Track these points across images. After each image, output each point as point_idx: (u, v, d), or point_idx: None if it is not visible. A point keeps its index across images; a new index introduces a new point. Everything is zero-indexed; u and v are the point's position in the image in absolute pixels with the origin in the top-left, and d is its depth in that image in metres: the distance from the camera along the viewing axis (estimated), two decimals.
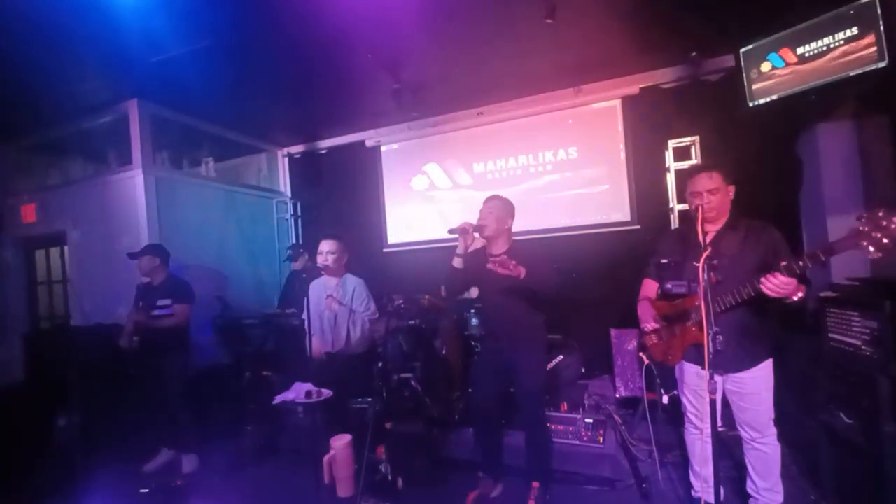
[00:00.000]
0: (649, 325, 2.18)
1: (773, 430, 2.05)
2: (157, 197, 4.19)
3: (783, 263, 1.71)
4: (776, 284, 1.71)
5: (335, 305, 2.95)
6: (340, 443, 2.63)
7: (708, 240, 1.93)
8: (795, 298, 1.75)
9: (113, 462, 3.18)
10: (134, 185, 4.15)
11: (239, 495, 2.78)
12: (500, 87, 4.29)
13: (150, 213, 4.12)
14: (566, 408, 3.22)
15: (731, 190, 2.04)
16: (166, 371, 3.20)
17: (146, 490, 2.92)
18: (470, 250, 2.43)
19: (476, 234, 2.42)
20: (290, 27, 3.05)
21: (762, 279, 1.74)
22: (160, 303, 3.21)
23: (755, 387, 2.01)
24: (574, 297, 3.96)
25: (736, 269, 1.92)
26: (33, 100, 3.86)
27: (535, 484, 2.47)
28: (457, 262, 2.43)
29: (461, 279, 2.50)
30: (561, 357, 3.70)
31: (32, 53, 3.13)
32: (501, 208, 2.46)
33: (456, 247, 2.43)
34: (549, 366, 3.67)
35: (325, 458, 2.61)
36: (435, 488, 2.70)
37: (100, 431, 3.31)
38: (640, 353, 2.34)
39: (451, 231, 2.39)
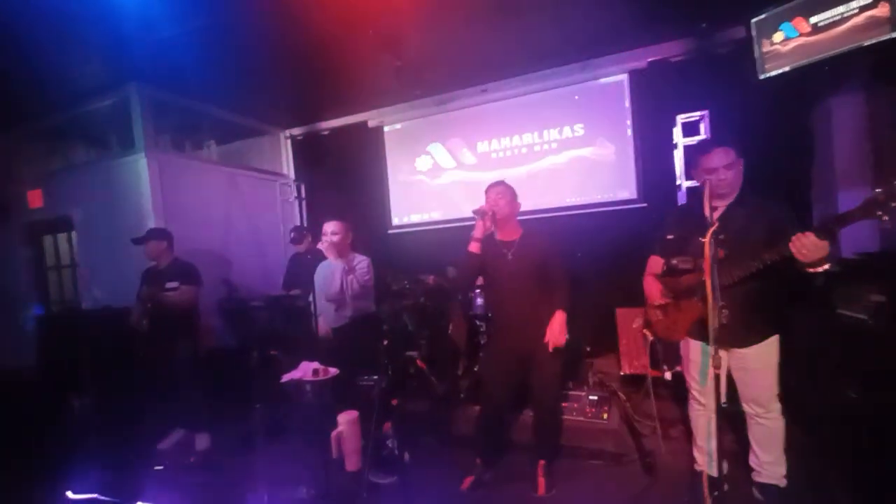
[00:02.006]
0: (655, 301, 2.17)
1: (778, 406, 2.05)
2: (160, 180, 4.19)
3: (815, 225, 1.65)
4: (804, 245, 1.63)
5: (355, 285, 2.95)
6: (348, 419, 2.68)
7: (717, 215, 1.91)
8: (822, 269, 1.70)
9: (127, 441, 3.26)
10: (137, 168, 4.14)
11: (250, 471, 2.84)
12: (504, 63, 4.21)
13: (154, 197, 4.13)
14: (571, 385, 3.24)
15: (741, 164, 2.01)
16: (176, 353, 3.25)
17: (160, 467, 3.00)
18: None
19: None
20: (289, 5, 2.99)
21: (793, 238, 1.67)
22: (168, 285, 3.23)
23: (760, 362, 2.01)
24: (579, 275, 3.96)
25: (744, 244, 1.90)
26: (34, 86, 3.82)
27: (542, 462, 2.50)
28: (474, 247, 2.40)
29: (476, 265, 2.46)
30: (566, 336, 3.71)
31: (31, 38, 3.10)
32: (510, 192, 2.46)
33: (464, 228, 2.43)
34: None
35: (333, 434, 2.66)
36: (441, 464, 2.75)
37: (113, 411, 3.38)
38: (644, 330, 2.34)
39: (474, 212, 2.40)
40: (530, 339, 2.38)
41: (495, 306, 2.65)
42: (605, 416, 2.94)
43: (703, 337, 2.08)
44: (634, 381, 3.51)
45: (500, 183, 2.50)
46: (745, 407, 2.10)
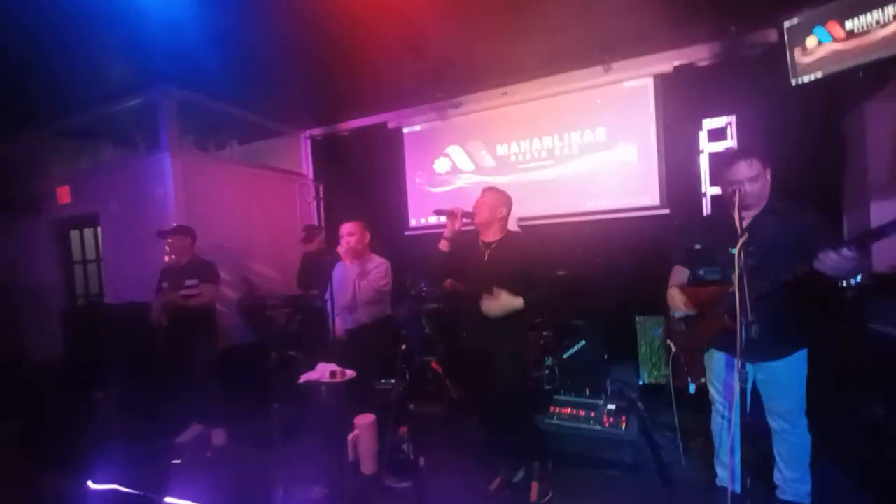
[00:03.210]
0: (679, 312, 2.12)
1: (804, 421, 1.99)
2: (184, 179, 4.27)
3: (847, 239, 1.61)
4: (833, 261, 1.59)
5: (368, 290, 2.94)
6: (365, 422, 2.68)
7: (745, 225, 1.86)
8: (854, 281, 1.66)
9: (146, 434, 3.32)
10: (162, 167, 4.23)
11: (266, 469, 2.87)
12: (525, 65, 4.17)
13: (177, 196, 4.21)
14: (588, 393, 3.19)
15: (769, 173, 1.95)
16: (194, 349, 3.29)
17: (178, 461, 3.04)
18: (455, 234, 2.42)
19: (465, 220, 2.42)
20: (313, 8, 3.01)
21: (820, 255, 1.62)
22: (187, 283, 3.29)
23: (788, 376, 1.95)
24: (598, 281, 3.92)
25: (773, 254, 1.84)
26: (66, 85, 3.94)
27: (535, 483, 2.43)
28: (443, 245, 2.43)
29: (446, 263, 2.48)
30: (583, 342, 3.66)
31: (65, 39, 3.20)
32: (495, 197, 2.45)
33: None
34: (570, 352, 3.65)
35: (350, 437, 2.67)
36: (456, 470, 2.73)
37: (134, 404, 3.45)
38: (668, 341, 2.29)
39: (436, 211, 2.43)
40: (493, 340, 2.34)
41: (467, 309, 2.55)
42: (624, 425, 2.88)
43: (728, 348, 2.02)
44: (653, 391, 3.44)
45: (491, 189, 2.50)
46: (771, 422, 2.04)
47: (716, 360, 2.12)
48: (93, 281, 5.28)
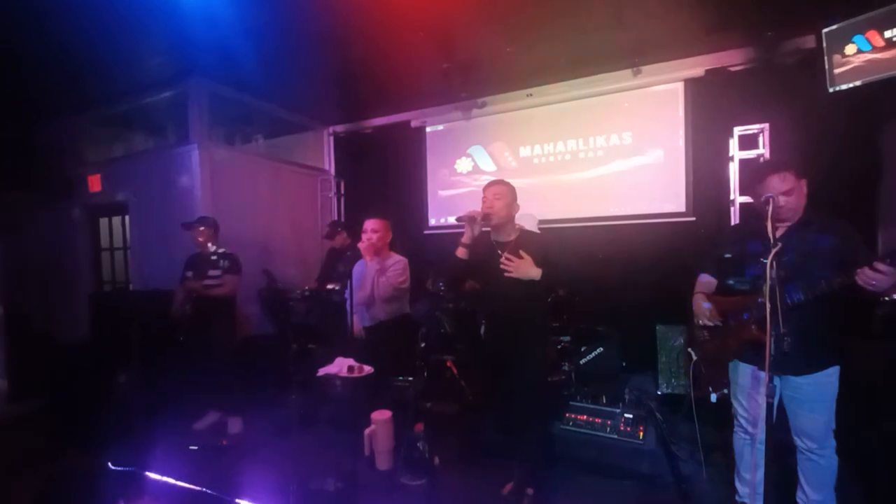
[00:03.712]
0: (704, 320, 2.07)
1: (833, 443, 1.93)
2: (211, 171, 4.35)
3: (882, 254, 1.58)
4: (872, 277, 1.57)
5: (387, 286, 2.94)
6: (382, 417, 2.69)
7: (778, 235, 1.81)
8: (890, 298, 1.62)
9: (166, 417, 3.40)
10: (190, 159, 4.32)
11: (281, 458, 2.90)
12: (552, 67, 4.12)
13: (203, 187, 4.29)
14: (605, 400, 3.15)
15: (805, 184, 1.89)
16: (214, 338, 3.35)
17: (195, 447, 3.10)
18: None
19: (483, 222, 2.30)
20: (344, 5, 3.04)
21: (858, 271, 1.61)
22: (210, 273, 3.35)
23: (816, 393, 1.89)
24: (619, 288, 3.86)
25: (806, 266, 1.80)
26: (105, 74, 4.05)
27: (530, 491, 2.37)
28: (461, 253, 2.31)
29: (464, 270, 2.38)
30: (602, 349, 3.61)
31: (105, 31, 3.29)
32: (509, 193, 2.31)
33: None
34: (588, 358, 3.61)
35: (367, 432, 2.68)
36: (470, 470, 2.72)
37: (155, 389, 3.53)
38: (689, 349, 2.24)
39: (458, 219, 2.28)
40: (515, 341, 2.27)
41: (486, 311, 2.53)
42: (641, 435, 2.83)
43: (755, 361, 1.98)
44: (672, 401, 3.37)
45: (500, 182, 2.35)
46: (797, 440, 1.98)
47: (741, 373, 2.07)
48: (119, 268, 5.42)
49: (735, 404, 2.15)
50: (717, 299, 2.08)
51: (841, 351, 1.90)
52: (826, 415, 1.90)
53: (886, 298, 1.64)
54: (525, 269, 2.17)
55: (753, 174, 2.01)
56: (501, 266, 2.16)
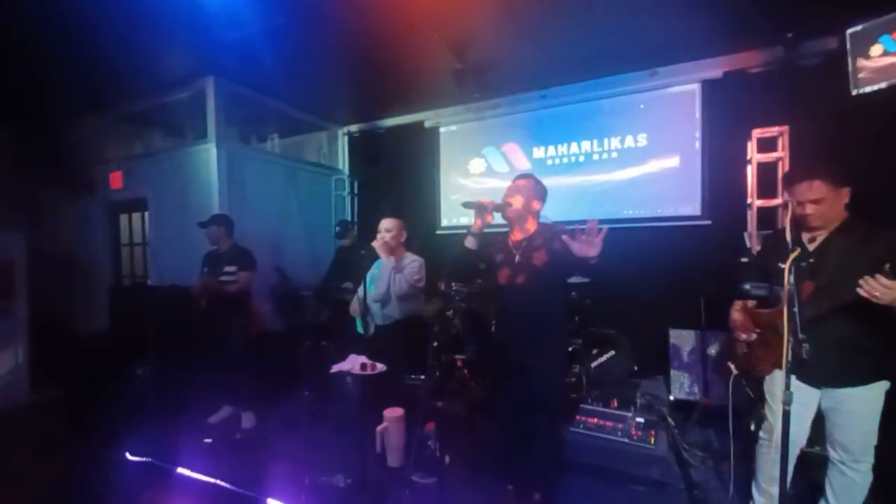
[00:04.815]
0: (744, 335, 2.05)
1: (870, 459, 1.87)
2: (227, 169, 4.42)
3: (888, 265, 1.55)
4: (873, 288, 1.56)
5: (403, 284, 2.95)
6: (393, 415, 2.71)
7: (814, 244, 1.78)
8: None
9: (181, 412, 3.46)
10: (208, 157, 4.40)
11: (293, 453, 2.94)
12: (567, 67, 4.11)
13: (220, 185, 4.37)
14: (616, 404, 3.12)
15: (845, 193, 1.83)
16: (229, 333, 3.41)
17: (209, 440, 3.16)
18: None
19: (495, 213, 2.18)
20: (358, 6, 3.06)
21: (860, 282, 1.59)
22: (226, 269, 3.41)
23: (857, 407, 1.83)
24: (631, 291, 3.82)
25: (842, 275, 1.74)
26: (125, 74, 4.14)
27: (537, 496, 2.34)
28: (469, 242, 2.21)
29: (472, 261, 2.29)
30: (613, 353, 3.59)
31: (127, 31, 3.36)
32: (532, 187, 2.21)
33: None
34: (599, 361, 3.58)
35: (379, 429, 2.70)
36: (479, 469, 2.72)
37: (171, 383, 3.61)
38: (729, 363, 2.22)
39: (465, 204, 2.17)
40: (528, 344, 2.17)
41: (499, 315, 2.43)
42: (652, 440, 2.80)
43: (796, 371, 1.94)
44: (683, 407, 3.33)
45: (525, 175, 2.27)
46: (830, 451, 1.93)
47: (777, 384, 2.02)
48: (138, 263, 5.54)
49: (768, 413, 2.10)
50: (753, 311, 2.06)
51: (887, 366, 1.83)
52: (866, 430, 1.84)
53: None
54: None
55: (785, 177, 1.98)
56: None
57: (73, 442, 3.24)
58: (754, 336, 2.03)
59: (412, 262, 3.02)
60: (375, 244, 2.87)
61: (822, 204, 1.80)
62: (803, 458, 1.94)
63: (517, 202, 2.18)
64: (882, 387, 1.82)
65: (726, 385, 2.25)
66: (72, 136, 5.50)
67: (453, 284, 3.30)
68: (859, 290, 1.60)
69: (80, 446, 3.13)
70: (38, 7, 3.04)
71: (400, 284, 2.91)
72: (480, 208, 2.16)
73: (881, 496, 2.16)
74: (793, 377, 1.93)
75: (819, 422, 1.92)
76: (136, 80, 4.32)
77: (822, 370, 1.63)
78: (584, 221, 1.87)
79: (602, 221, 4.37)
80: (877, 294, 1.56)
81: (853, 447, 1.86)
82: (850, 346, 1.78)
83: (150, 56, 3.86)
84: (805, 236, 1.77)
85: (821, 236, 1.86)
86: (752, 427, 2.46)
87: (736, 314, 2.11)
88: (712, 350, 3.34)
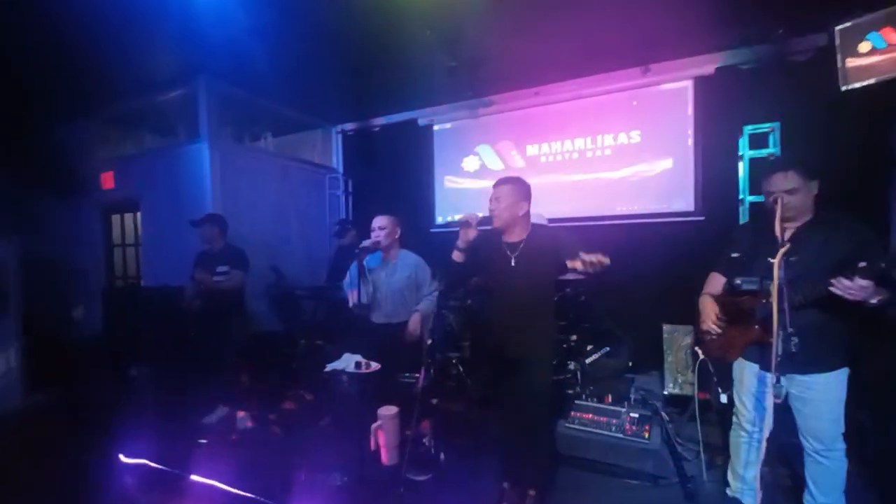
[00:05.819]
0: (709, 322, 2.07)
1: (841, 445, 1.91)
2: (220, 169, 4.40)
3: (861, 265, 1.59)
4: (848, 287, 1.61)
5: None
6: (388, 413, 2.71)
7: (787, 236, 1.80)
8: (874, 301, 1.62)
9: (176, 413, 3.45)
10: (200, 157, 4.37)
11: (287, 453, 2.93)
12: (559, 65, 4.12)
13: (213, 184, 4.35)
14: (610, 400, 3.14)
15: (815, 185, 1.88)
16: (224, 334, 3.40)
17: (204, 441, 3.15)
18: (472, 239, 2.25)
19: (482, 227, 2.22)
20: (350, 4, 3.06)
21: (832, 280, 1.64)
22: (219, 269, 3.40)
23: (823, 394, 1.87)
24: (625, 287, 3.84)
25: (814, 267, 1.79)
26: (115, 74, 4.11)
27: (532, 492, 2.32)
28: (456, 256, 2.24)
29: (461, 272, 2.34)
30: (607, 348, 3.61)
31: (116, 31, 3.34)
32: (512, 193, 2.19)
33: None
34: (594, 357, 3.60)
35: (373, 427, 2.70)
36: (475, 467, 2.74)
37: (165, 383, 3.59)
38: (696, 348, 2.24)
39: (455, 223, 2.24)
40: (522, 345, 2.19)
41: (492, 314, 2.40)
42: (647, 434, 2.83)
43: (760, 360, 1.97)
44: (678, 402, 3.36)
45: (506, 181, 2.23)
46: (804, 441, 1.96)
47: (746, 372, 2.07)
48: (131, 264, 5.50)
49: (737, 402, 2.15)
50: (724, 299, 2.08)
51: (850, 353, 1.89)
52: (834, 416, 1.89)
53: (873, 301, 1.63)
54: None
55: (763, 169, 2.01)
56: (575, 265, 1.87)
57: (66, 444, 3.22)
58: (719, 331, 2.06)
59: (421, 269, 3.01)
60: (368, 243, 2.86)
61: (797, 195, 1.84)
62: (780, 446, 1.97)
63: (502, 213, 2.18)
64: (844, 373, 1.88)
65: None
66: (63, 137, 5.44)
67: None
68: (832, 290, 1.65)
69: (74, 449, 3.11)
70: (26, 8, 3.01)
71: (395, 283, 2.91)
72: (464, 225, 2.19)
73: (881, 496, 2.21)
74: (756, 365, 1.98)
75: (787, 413, 1.94)
76: (128, 80, 4.28)
77: (792, 359, 1.66)
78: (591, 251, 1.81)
79: (596, 218, 4.45)
80: (851, 293, 1.61)
81: (824, 436, 1.90)
82: (817, 334, 1.81)
83: (141, 56, 3.82)
84: (777, 228, 1.79)
85: (792, 229, 1.88)
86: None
87: (704, 300, 2.13)
88: (682, 342, 3.38)
